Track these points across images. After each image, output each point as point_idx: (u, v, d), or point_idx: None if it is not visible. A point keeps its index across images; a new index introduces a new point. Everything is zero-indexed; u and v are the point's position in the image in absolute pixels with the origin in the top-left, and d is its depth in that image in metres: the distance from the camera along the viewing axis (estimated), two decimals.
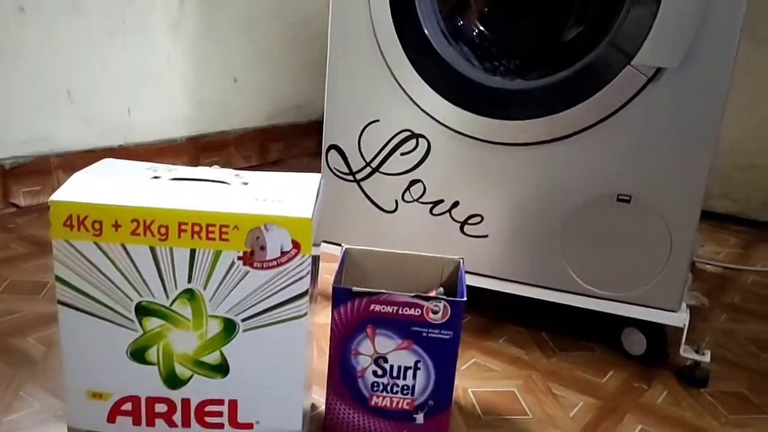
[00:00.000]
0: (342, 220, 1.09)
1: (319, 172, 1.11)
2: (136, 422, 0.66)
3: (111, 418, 0.66)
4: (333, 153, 1.08)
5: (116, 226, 0.60)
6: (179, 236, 0.60)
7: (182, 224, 0.60)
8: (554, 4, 1.00)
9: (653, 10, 0.84)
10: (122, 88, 1.64)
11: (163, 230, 0.60)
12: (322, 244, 1.12)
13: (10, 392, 0.80)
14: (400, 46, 0.97)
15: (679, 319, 0.94)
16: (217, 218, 0.60)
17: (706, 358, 0.95)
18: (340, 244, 0.84)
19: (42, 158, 1.49)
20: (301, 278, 0.62)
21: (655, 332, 0.98)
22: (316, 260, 0.69)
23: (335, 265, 0.80)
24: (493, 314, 1.12)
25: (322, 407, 0.81)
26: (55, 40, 1.47)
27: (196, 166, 1.86)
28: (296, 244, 0.61)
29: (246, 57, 1.96)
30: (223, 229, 0.60)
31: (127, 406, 0.66)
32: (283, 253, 0.61)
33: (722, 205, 1.79)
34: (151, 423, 0.66)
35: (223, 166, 1.89)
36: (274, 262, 0.62)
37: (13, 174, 1.44)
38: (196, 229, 0.60)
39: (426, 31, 0.97)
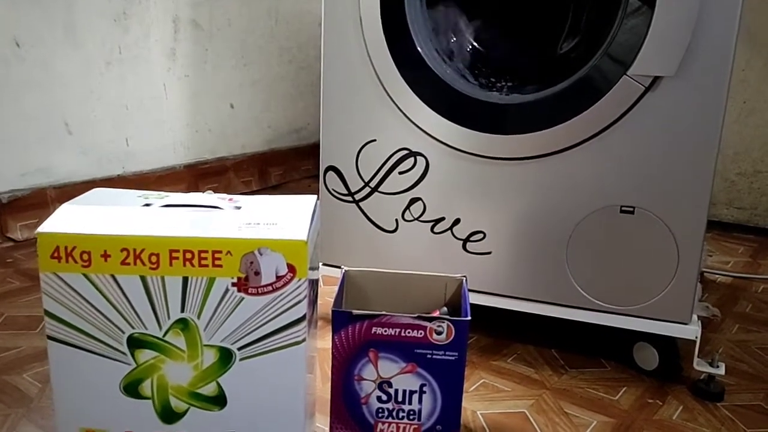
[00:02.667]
0: (342, 242, 1.08)
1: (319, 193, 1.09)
2: None
3: None
4: (331, 174, 1.06)
5: (105, 256, 0.58)
6: (171, 264, 0.59)
7: (173, 252, 0.58)
8: (547, 17, 0.99)
9: (647, 19, 0.83)
10: (120, 118, 1.63)
11: (153, 259, 0.58)
12: (322, 266, 1.10)
13: (4, 431, 0.78)
14: (394, 65, 0.96)
15: (691, 331, 0.91)
16: (209, 244, 0.58)
17: (721, 370, 0.92)
18: (340, 267, 0.82)
19: (39, 191, 1.48)
20: (298, 303, 0.60)
21: (667, 346, 0.96)
22: (314, 284, 0.67)
23: (336, 288, 0.78)
24: (500, 333, 1.10)
25: None
26: (51, 73, 1.47)
27: (195, 192, 1.85)
28: (292, 268, 0.59)
29: (242, 83, 1.96)
30: (216, 255, 0.59)
31: None
32: (278, 278, 0.59)
33: (728, 214, 1.77)
34: None
35: (223, 191, 1.87)
36: (270, 287, 0.60)
37: (10, 208, 1.43)
38: (188, 256, 0.58)
39: (419, 49, 0.96)
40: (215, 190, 1.91)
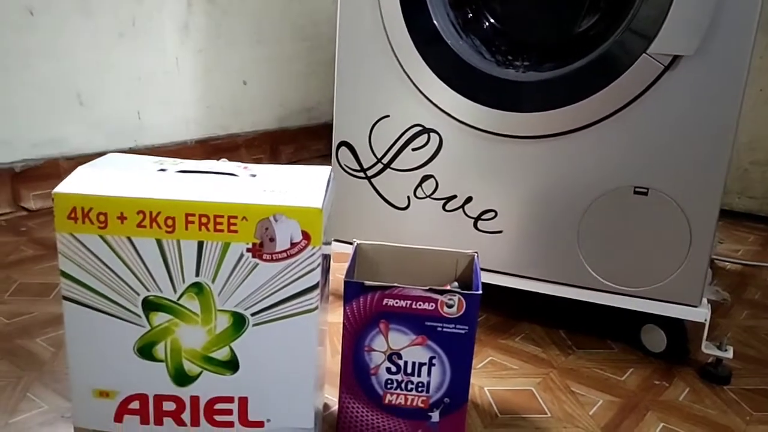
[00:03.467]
0: (353, 218, 1.08)
1: None
2: (144, 421, 0.65)
3: (118, 417, 0.64)
4: (343, 150, 1.06)
5: (122, 218, 0.59)
6: (186, 228, 0.59)
7: (190, 216, 0.59)
8: None
9: None
10: (132, 90, 1.63)
11: (170, 222, 0.59)
12: (334, 242, 1.10)
13: (17, 393, 0.79)
14: (410, 39, 0.96)
15: (701, 314, 0.91)
16: (225, 209, 0.59)
17: (729, 354, 0.92)
18: (352, 243, 0.82)
19: (52, 161, 1.49)
20: (312, 270, 0.61)
21: (675, 329, 0.96)
22: (327, 258, 0.67)
23: (347, 264, 0.79)
24: (509, 312, 1.10)
25: (335, 407, 0.79)
26: (64, 43, 1.46)
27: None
28: (306, 235, 0.60)
29: (255, 60, 1.95)
30: (232, 221, 0.59)
31: (135, 405, 0.64)
32: (293, 245, 0.60)
33: (740, 203, 1.75)
34: (159, 422, 0.65)
35: (222, 158, 1.88)
36: (284, 254, 0.60)
37: (23, 177, 1.44)
38: (204, 220, 0.59)
39: (436, 23, 0.95)
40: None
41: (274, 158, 2.08)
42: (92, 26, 1.51)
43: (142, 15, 1.61)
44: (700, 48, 0.83)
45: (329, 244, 0.70)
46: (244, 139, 1.97)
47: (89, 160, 1.58)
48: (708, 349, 0.92)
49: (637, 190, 0.91)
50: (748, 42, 0.82)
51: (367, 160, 1.05)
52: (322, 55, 2.16)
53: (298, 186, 0.63)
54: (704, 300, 0.93)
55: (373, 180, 1.05)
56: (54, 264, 1.19)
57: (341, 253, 1.09)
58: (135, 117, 1.66)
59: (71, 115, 1.52)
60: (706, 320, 0.91)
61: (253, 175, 0.66)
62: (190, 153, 1.81)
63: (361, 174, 1.06)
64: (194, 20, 1.74)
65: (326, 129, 2.24)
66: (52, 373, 0.84)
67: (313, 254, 0.60)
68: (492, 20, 1.02)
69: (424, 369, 0.72)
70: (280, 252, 0.60)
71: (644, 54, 0.84)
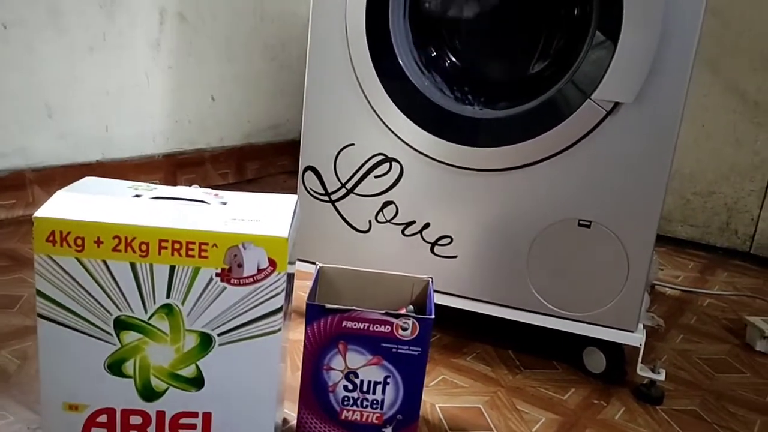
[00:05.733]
0: (317, 239, 1.13)
1: (295, 190, 1.14)
2: None
3: (86, 430, 0.68)
4: (309, 174, 1.11)
5: (98, 242, 0.62)
6: (159, 253, 0.63)
7: (163, 241, 0.63)
8: (521, 39, 1.05)
9: (611, 49, 0.89)
10: (101, 104, 1.65)
11: (144, 247, 0.63)
12: (297, 262, 1.14)
13: None
14: (376, 74, 1.02)
15: (636, 339, 0.98)
16: (197, 236, 0.63)
17: (662, 377, 0.99)
18: (314, 263, 0.87)
19: (17, 173, 1.49)
20: (276, 295, 0.65)
21: (614, 352, 1.03)
22: (291, 278, 0.72)
23: (309, 283, 0.83)
24: (462, 332, 1.16)
25: (293, 422, 0.84)
26: (35, 56, 1.48)
27: (173, 182, 1.88)
28: (272, 262, 0.64)
29: (224, 76, 1.99)
30: (203, 247, 0.63)
31: (103, 418, 0.67)
32: (259, 271, 0.64)
33: (682, 230, 1.86)
34: None
35: (200, 183, 1.90)
36: (251, 279, 0.65)
37: None
38: (177, 246, 0.63)
39: (400, 61, 1.01)
40: (192, 181, 1.93)
41: (240, 174, 2.12)
42: (64, 40, 1.53)
43: (114, 31, 1.63)
44: (639, 95, 0.91)
45: (293, 264, 0.75)
46: (210, 155, 2.00)
47: (56, 172, 1.59)
48: (642, 372, 1.00)
49: (581, 222, 0.98)
50: (682, 90, 0.90)
51: (332, 184, 1.10)
52: (291, 75, 2.21)
53: (265, 215, 0.68)
54: (640, 326, 1.00)
55: (336, 204, 1.10)
56: (18, 276, 1.20)
57: (304, 271, 1.13)
58: (103, 130, 1.67)
59: (39, 127, 1.53)
60: (641, 344, 0.98)
61: (224, 203, 0.70)
62: (157, 167, 1.83)
63: (326, 198, 1.11)
64: (166, 37, 1.77)
65: (292, 146, 2.28)
66: (18, 385, 0.86)
67: (278, 280, 0.65)
68: (453, 59, 1.09)
69: (379, 387, 0.77)
70: (248, 277, 0.64)
71: (588, 99, 0.92)
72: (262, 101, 2.15)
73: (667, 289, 1.51)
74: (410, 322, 0.75)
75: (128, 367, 0.66)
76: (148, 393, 0.67)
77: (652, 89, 0.91)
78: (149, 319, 0.65)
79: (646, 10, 0.87)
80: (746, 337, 1.27)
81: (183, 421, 0.68)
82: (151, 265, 0.63)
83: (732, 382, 1.10)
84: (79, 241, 0.62)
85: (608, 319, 0.99)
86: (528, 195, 1.00)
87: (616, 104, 0.92)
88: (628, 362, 1.05)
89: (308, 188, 1.12)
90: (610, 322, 0.99)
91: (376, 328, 0.75)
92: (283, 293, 0.66)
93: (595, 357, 1.04)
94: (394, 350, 0.76)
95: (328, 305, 0.74)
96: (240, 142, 2.10)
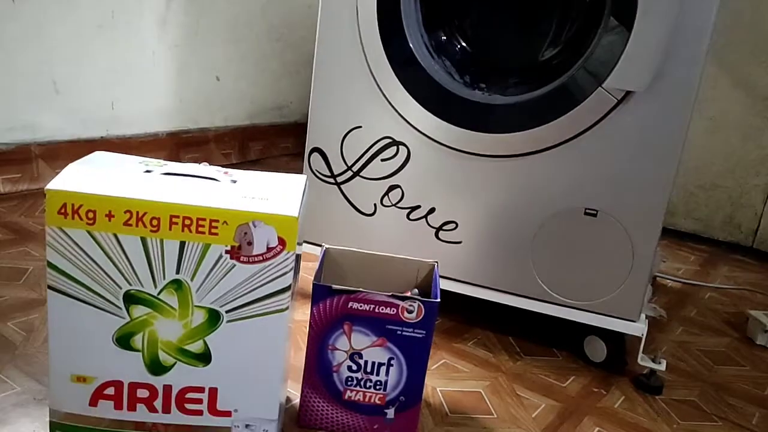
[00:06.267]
0: (322, 222, 1.13)
1: (298, 173, 1.14)
2: (118, 406, 0.69)
3: (93, 402, 0.68)
4: (315, 156, 1.11)
5: (109, 216, 0.63)
6: (170, 228, 0.63)
7: (174, 217, 0.63)
8: (533, 25, 1.05)
9: (625, 37, 0.89)
10: (107, 81, 1.65)
11: (155, 222, 0.63)
12: (303, 244, 1.15)
13: None
14: (386, 57, 1.01)
15: (638, 329, 0.99)
16: (207, 213, 0.63)
17: (662, 367, 1.00)
18: (320, 245, 0.87)
19: (24, 146, 1.49)
20: (285, 274, 0.66)
21: (615, 341, 1.04)
22: (297, 258, 0.72)
23: (315, 265, 0.84)
24: (464, 318, 1.16)
25: (296, 401, 0.84)
26: (44, 32, 1.47)
27: (176, 161, 1.88)
28: (282, 241, 0.65)
29: (229, 57, 1.98)
30: (213, 224, 0.63)
31: (110, 391, 0.68)
32: (269, 249, 0.65)
33: (685, 224, 1.87)
34: (132, 408, 0.69)
35: (203, 162, 1.90)
36: (260, 257, 0.65)
37: None
38: (187, 222, 0.63)
39: (410, 44, 1.01)
40: (195, 160, 1.93)
41: (243, 154, 2.11)
42: (72, 17, 1.52)
43: (122, 8, 1.62)
44: (651, 85, 0.91)
45: (301, 245, 0.75)
46: (214, 134, 1.99)
47: (61, 147, 1.59)
48: (643, 362, 1.00)
49: (587, 211, 0.98)
50: (695, 80, 0.90)
51: (338, 167, 1.10)
52: (297, 56, 2.20)
53: (276, 194, 0.68)
54: (642, 316, 1.01)
55: (342, 186, 1.10)
56: (24, 248, 1.20)
57: (309, 253, 1.14)
58: (109, 107, 1.67)
59: (46, 103, 1.52)
60: (642, 335, 0.99)
61: (234, 181, 0.70)
62: (161, 145, 1.83)
63: (332, 180, 1.11)
64: (173, 16, 1.76)
65: (296, 127, 2.28)
66: (24, 357, 0.87)
67: (287, 259, 0.65)
68: (463, 43, 1.08)
69: (383, 369, 0.78)
70: (257, 255, 0.65)
71: (600, 87, 0.92)
72: (266, 82, 2.14)
73: (668, 281, 1.51)
74: (416, 305, 0.75)
75: (137, 340, 0.67)
76: (156, 367, 0.68)
77: (664, 78, 0.90)
78: (158, 293, 0.65)
79: None
80: (747, 331, 1.28)
81: (189, 395, 0.69)
82: (161, 241, 0.64)
83: (731, 375, 1.11)
84: (91, 215, 0.62)
85: (611, 308, 1.00)
86: (535, 182, 1.00)
87: (627, 93, 0.92)
88: (629, 352, 1.05)
89: (314, 170, 1.12)
90: (612, 312, 1.00)
91: (382, 309, 0.75)
92: (292, 272, 0.66)
93: (596, 346, 1.05)
94: (398, 332, 0.76)
95: (334, 286, 0.75)
96: (243, 122, 2.10)
